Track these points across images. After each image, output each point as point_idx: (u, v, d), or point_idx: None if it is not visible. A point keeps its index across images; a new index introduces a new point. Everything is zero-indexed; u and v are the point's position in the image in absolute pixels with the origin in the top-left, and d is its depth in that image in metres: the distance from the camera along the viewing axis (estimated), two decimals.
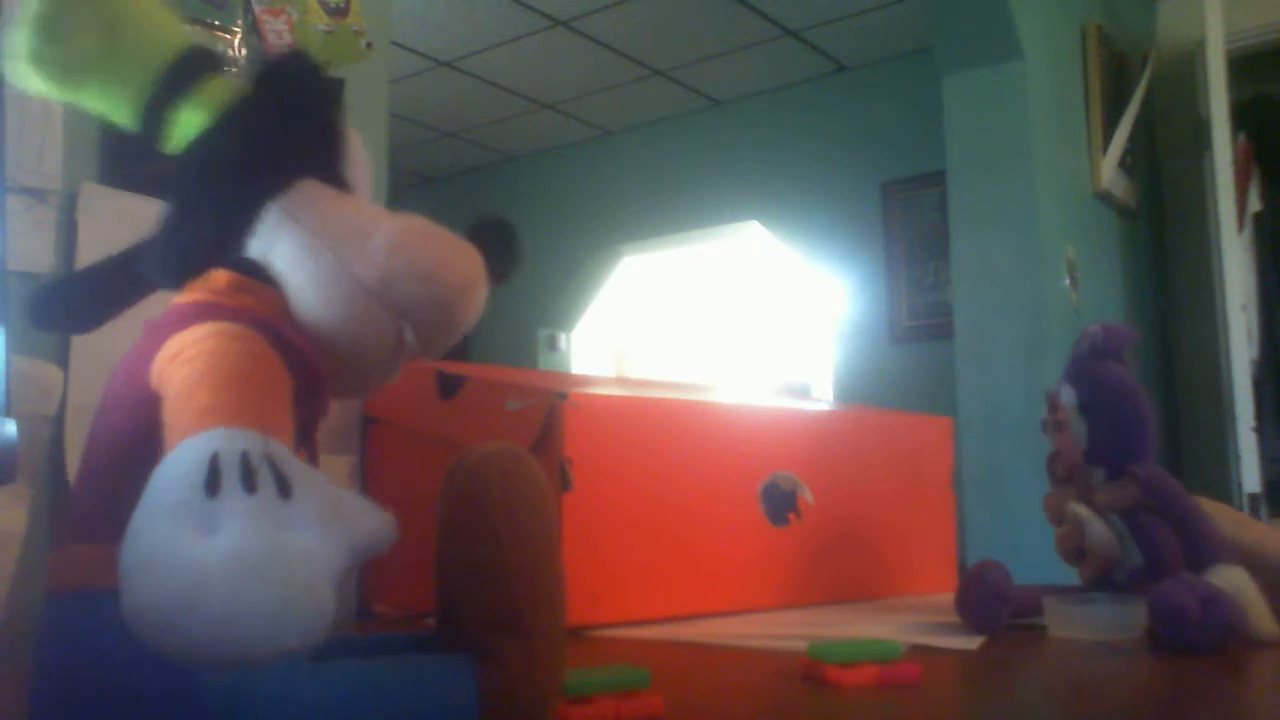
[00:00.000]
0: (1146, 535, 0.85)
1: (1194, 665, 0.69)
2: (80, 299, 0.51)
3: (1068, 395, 0.91)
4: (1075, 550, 0.89)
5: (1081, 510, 0.88)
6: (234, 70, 0.99)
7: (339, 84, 0.56)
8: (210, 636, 0.33)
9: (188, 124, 0.51)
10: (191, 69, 0.51)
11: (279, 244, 0.52)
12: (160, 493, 0.36)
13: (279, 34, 1.03)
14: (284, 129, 0.52)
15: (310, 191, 0.53)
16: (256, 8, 1.03)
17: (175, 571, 0.34)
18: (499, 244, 0.57)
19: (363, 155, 0.60)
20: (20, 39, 0.48)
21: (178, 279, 0.49)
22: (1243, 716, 0.61)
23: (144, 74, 0.50)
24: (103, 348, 0.85)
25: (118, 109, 0.51)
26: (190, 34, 0.53)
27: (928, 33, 2.64)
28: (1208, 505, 0.88)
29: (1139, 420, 0.88)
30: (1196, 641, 0.72)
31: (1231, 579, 0.79)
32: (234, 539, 0.34)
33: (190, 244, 0.49)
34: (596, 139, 4.92)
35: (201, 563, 0.34)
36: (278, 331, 0.48)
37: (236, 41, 1.01)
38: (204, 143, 0.51)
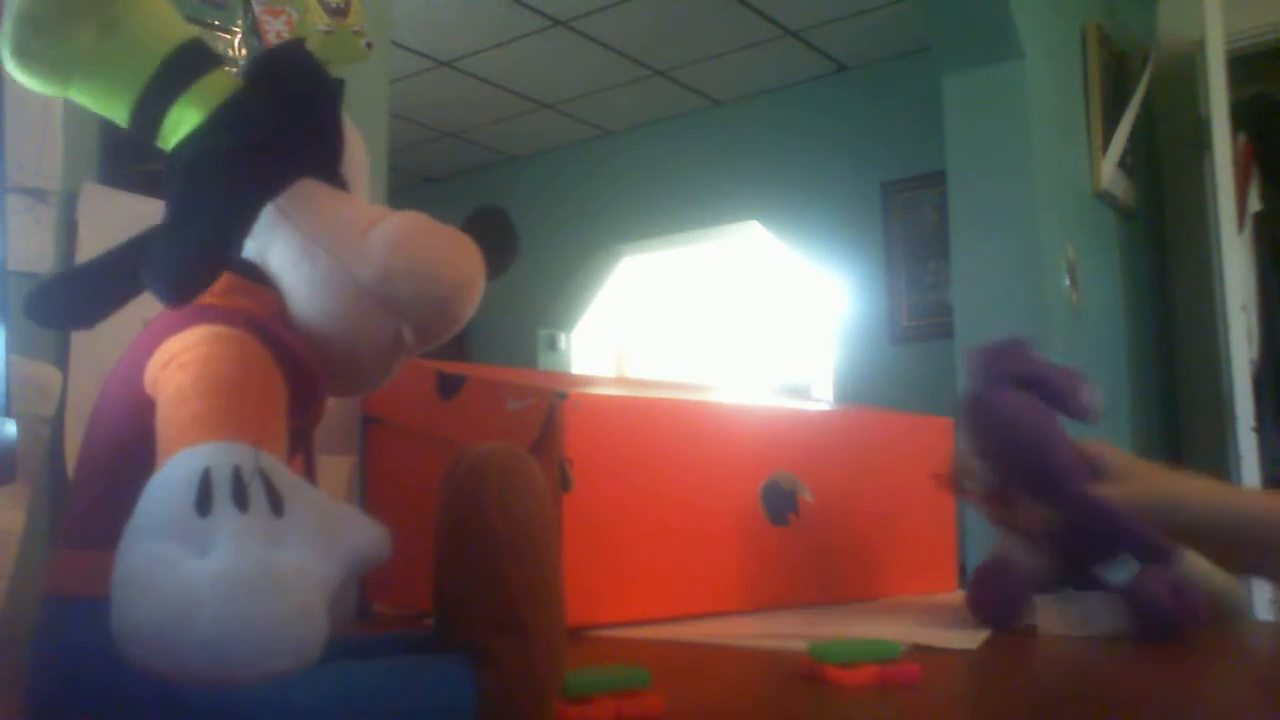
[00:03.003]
0: (1061, 543, 0.82)
1: (1187, 658, 0.70)
2: (78, 295, 0.50)
3: (964, 441, 0.87)
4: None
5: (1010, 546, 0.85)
6: (233, 68, 0.99)
7: (338, 82, 0.55)
8: (201, 658, 0.33)
9: (183, 121, 0.50)
10: (188, 65, 0.50)
11: (274, 245, 0.51)
12: (152, 511, 0.36)
13: (279, 34, 1.03)
14: (278, 125, 0.51)
15: (307, 190, 0.52)
16: (256, 8, 1.02)
17: (167, 593, 0.33)
18: (496, 236, 0.56)
19: (363, 151, 0.59)
20: (6, 33, 0.47)
21: (181, 293, 0.46)
22: (1242, 708, 0.61)
23: (138, 71, 0.49)
24: (102, 348, 0.85)
25: (111, 106, 0.50)
26: (189, 29, 0.52)
27: (927, 33, 2.64)
28: (1122, 459, 0.82)
29: (1038, 450, 0.81)
30: (1176, 630, 0.73)
31: (1190, 562, 0.79)
32: (226, 560, 0.34)
33: (190, 254, 0.46)
34: (596, 139, 4.92)
35: (193, 584, 0.33)
36: (273, 334, 0.48)
37: (236, 41, 1.01)
38: (195, 140, 0.50)
